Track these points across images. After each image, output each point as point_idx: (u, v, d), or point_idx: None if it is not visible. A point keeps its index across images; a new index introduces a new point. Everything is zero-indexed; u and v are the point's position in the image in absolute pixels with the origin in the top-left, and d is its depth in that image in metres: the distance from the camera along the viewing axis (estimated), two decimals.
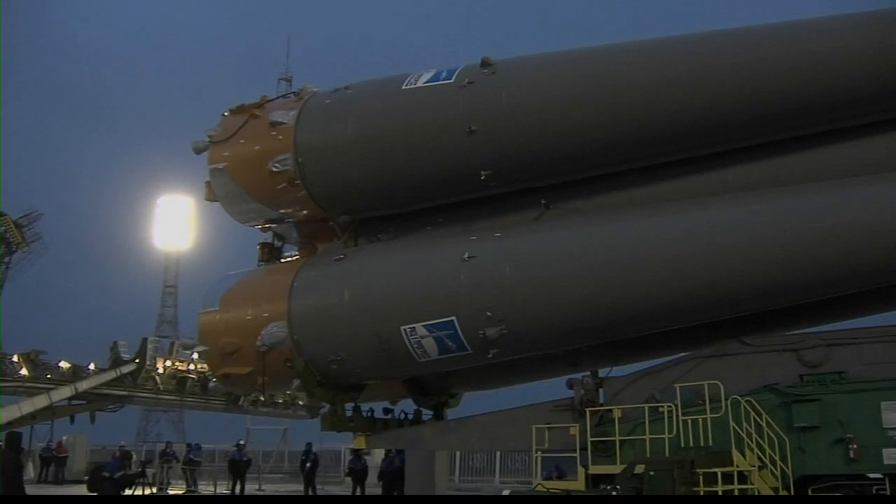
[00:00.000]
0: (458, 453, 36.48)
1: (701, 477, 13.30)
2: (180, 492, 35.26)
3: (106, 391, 50.73)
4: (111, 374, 50.94)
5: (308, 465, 32.29)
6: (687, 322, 15.68)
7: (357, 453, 29.18)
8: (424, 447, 22.62)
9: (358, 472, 29.25)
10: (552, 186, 16.56)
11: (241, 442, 36.71)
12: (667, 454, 14.26)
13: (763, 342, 15.16)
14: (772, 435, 13.91)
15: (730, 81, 14.53)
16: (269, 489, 38.27)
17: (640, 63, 15.42)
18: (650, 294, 15.01)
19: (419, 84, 16.72)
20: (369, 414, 19.40)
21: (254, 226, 19.71)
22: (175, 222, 64.22)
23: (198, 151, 18.58)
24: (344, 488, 34.21)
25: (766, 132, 15.02)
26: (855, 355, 14.40)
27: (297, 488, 38.71)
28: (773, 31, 14.96)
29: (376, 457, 30.23)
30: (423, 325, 16.05)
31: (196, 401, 53.90)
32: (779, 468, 13.76)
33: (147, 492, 26.53)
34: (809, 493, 13.89)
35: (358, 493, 28.67)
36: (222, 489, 33.91)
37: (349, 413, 18.70)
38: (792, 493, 13.73)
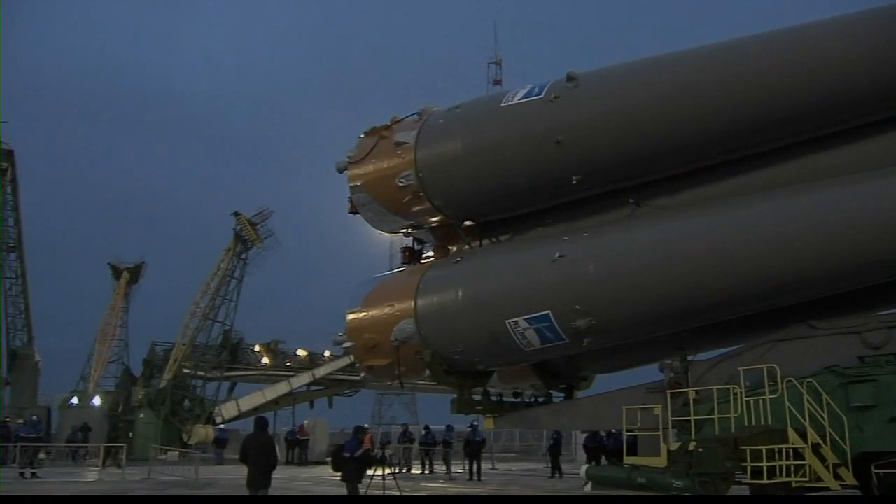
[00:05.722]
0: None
1: (748, 453, 14.27)
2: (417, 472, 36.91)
3: (341, 377, 54.90)
4: (346, 361, 53.54)
5: (552, 444, 34.26)
6: (762, 308, 16.51)
7: (594, 432, 31.01)
8: (540, 427, 24.04)
9: (592, 449, 31.03)
10: (640, 186, 17.77)
11: (475, 423, 36.88)
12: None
13: (829, 326, 15.76)
14: (825, 415, 14.54)
15: (800, 77, 15.22)
16: (502, 468, 39.85)
17: (707, 66, 16.35)
18: (725, 283, 15.99)
19: (515, 101, 18.36)
20: (498, 398, 21.37)
21: (394, 233, 22.14)
22: None
23: (340, 171, 21.09)
24: (574, 466, 35.12)
25: (837, 122, 15.58)
26: None
27: (527, 466, 40.97)
28: (825, 27, 15.51)
29: None
30: (524, 319, 17.81)
31: (427, 383, 57.03)
32: (829, 444, 14.41)
33: (387, 471, 28.97)
34: (872, 469, 14.42)
35: None
36: (457, 469, 35.33)
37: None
38: (850, 469, 14.36)
